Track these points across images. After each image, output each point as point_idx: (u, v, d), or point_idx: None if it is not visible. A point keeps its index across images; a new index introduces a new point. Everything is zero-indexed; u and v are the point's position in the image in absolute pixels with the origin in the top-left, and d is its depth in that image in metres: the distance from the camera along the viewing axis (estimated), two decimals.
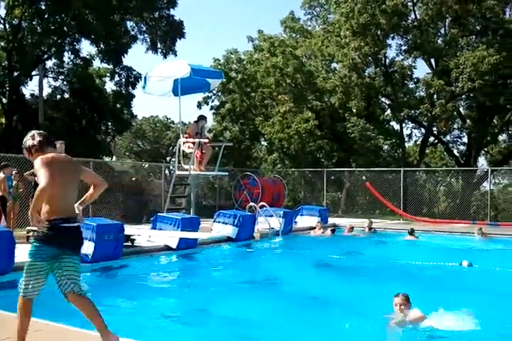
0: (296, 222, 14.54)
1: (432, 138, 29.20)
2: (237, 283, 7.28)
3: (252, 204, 13.11)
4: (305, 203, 19.25)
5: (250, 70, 28.45)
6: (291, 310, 5.77)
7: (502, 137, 29.72)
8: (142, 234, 10.03)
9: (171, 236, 9.56)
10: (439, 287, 7.16)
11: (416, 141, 30.63)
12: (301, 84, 24.87)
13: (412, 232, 13.22)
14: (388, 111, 28.24)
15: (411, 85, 26.55)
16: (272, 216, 12.68)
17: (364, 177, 20.48)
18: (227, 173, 18.96)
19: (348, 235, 14.01)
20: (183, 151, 13.03)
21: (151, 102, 57.20)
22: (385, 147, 28.09)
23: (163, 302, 6.13)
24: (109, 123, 24.71)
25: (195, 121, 13.53)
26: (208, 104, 30.07)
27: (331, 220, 16.22)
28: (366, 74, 25.52)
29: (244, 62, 29.60)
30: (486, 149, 30.26)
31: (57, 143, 10.53)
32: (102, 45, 22.18)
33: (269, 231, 12.22)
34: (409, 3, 24.45)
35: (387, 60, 25.91)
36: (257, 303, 6.05)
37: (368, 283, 7.37)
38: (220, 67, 27.85)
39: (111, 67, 23.50)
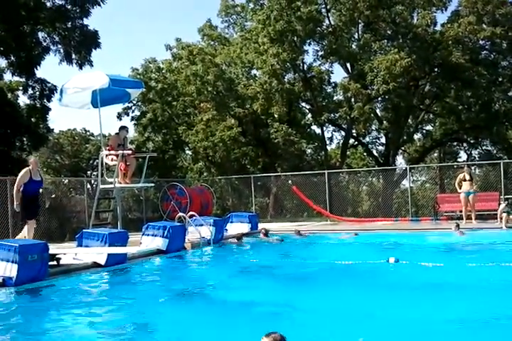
0: (226, 230, 14.47)
1: (352, 140, 30.16)
2: (172, 296, 7.11)
3: (181, 214, 12.90)
4: (234, 210, 19.21)
5: (170, 79, 28.20)
6: (230, 319, 5.69)
7: (417, 136, 31.22)
8: (68, 253, 9.58)
9: (98, 253, 9.21)
10: (366, 284, 7.45)
11: (337, 143, 31.57)
12: (222, 91, 24.94)
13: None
14: (309, 116, 28.92)
15: (329, 89, 27.40)
16: (202, 225, 12.53)
17: (290, 182, 20.78)
18: (153, 184, 18.61)
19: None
20: (106, 164, 12.66)
21: (67, 115, 55.43)
22: (309, 151, 28.71)
23: (96, 321, 5.86)
24: (24, 139, 23.60)
25: (116, 133, 13.20)
26: (128, 115, 29.54)
27: (261, 226, 16.27)
28: (286, 80, 26.00)
29: (163, 71, 29.30)
30: (403, 148, 31.61)
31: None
32: (12, 57, 21.19)
33: (201, 240, 12.06)
34: (323, 10, 25.21)
35: (305, 66, 26.57)
36: (196, 314, 5.93)
37: (305, 286, 7.43)
38: (138, 76, 27.42)
39: (23, 80, 22.48)
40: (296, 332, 4.31)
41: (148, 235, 11.07)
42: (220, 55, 27.39)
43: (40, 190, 11.46)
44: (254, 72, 28.41)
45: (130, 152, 12.79)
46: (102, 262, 9.13)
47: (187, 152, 31.53)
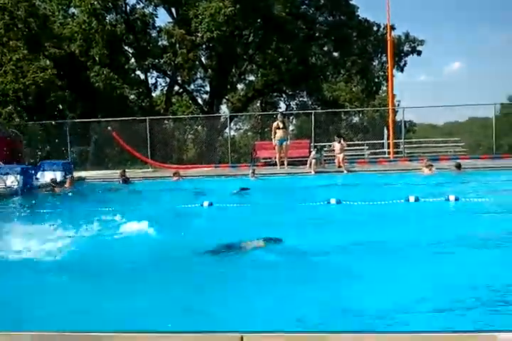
0: (38, 179, 13.59)
1: (177, 87, 29.90)
2: None
3: None
4: (49, 159, 18.01)
5: None
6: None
7: (240, 86, 32.00)
8: None
9: None
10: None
11: (162, 90, 31.06)
12: (35, 29, 22.73)
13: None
14: (132, 60, 27.84)
15: (153, 34, 26.52)
16: (8, 174, 11.60)
17: (109, 128, 19.89)
18: None
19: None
20: None
21: None
22: (132, 97, 27.83)
23: None
24: None
25: None
26: None
27: (79, 174, 15.64)
28: (107, 21, 24.54)
29: None
30: (227, 97, 32.18)
31: None
32: None
33: (6, 190, 11.19)
34: None
35: (128, 8, 25.32)
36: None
37: None
38: None
39: None
40: None
41: None
42: None
43: None
44: (72, 10, 26.29)
45: None
46: None
47: None
